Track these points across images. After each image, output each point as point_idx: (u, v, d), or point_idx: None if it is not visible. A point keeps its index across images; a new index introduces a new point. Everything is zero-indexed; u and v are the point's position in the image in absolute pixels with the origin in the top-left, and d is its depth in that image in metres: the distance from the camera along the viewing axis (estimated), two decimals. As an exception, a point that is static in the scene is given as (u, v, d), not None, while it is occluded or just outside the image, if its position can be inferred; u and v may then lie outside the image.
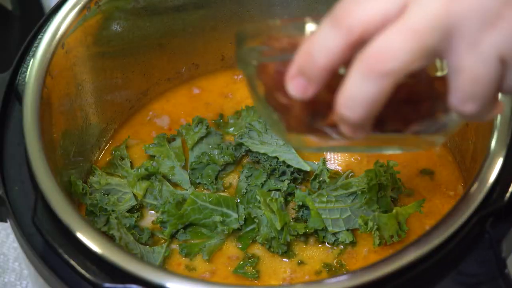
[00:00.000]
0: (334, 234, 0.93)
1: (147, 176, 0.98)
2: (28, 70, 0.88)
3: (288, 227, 0.93)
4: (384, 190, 0.93)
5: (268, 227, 0.94)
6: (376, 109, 0.64)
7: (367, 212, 0.92)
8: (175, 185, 1.00)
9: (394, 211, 0.92)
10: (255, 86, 0.72)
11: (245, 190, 0.97)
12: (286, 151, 0.98)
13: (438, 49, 0.62)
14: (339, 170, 0.99)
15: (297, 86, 0.67)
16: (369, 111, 0.64)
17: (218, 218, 0.95)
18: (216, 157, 1.00)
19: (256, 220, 0.95)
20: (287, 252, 0.93)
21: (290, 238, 0.93)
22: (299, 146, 0.77)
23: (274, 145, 0.99)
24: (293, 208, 0.96)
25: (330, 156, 1.00)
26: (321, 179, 0.96)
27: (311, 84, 0.66)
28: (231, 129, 1.04)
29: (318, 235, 0.94)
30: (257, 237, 0.94)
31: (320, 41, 0.64)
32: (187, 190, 0.99)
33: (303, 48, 0.66)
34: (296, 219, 0.95)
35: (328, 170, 0.96)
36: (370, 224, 0.91)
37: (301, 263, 0.93)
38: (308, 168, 0.98)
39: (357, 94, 0.63)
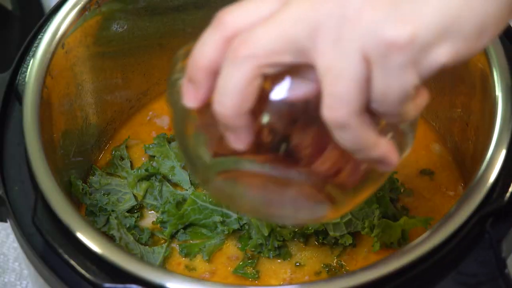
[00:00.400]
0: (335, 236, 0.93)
1: (147, 177, 0.98)
2: (28, 70, 0.88)
3: (275, 233, 0.93)
4: (381, 189, 0.92)
5: (256, 233, 0.94)
6: (243, 100, 0.64)
7: (369, 214, 0.92)
8: (175, 185, 0.99)
9: (402, 221, 0.91)
10: (178, 111, 0.71)
11: (245, 190, 0.97)
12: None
13: (304, 44, 0.62)
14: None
15: (187, 95, 0.68)
16: (236, 103, 0.64)
17: (218, 218, 0.95)
18: (216, 157, 0.99)
19: (246, 227, 0.94)
20: (284, 253, 0.93)
21: (278, 243, 0.92)
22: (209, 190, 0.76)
23: None
24: (293, 210, 0.96)
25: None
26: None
27: (198, 88, 0.66)
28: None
29: (318, 236, 0.93)
30: (249, 242, 0.94)
31: (200, 42, 0.66)
32: (187, 190, 0.99)
33: (192, 54, 0.67)
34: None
35: None
36: (376, 231, 0.90)
37: (300, 263, 0.93)
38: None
39: (224, 85, 0.64)
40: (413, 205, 0.96)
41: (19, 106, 0.87)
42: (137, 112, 1.06)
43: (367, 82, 0.62)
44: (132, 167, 1.01)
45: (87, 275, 0.76)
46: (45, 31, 0.91)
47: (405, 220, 0.91)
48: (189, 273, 0.92)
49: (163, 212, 0.95)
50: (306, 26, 0.62)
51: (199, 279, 0.89)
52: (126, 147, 1.02)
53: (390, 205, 0.94)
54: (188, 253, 0.94)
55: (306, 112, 0.66)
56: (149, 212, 0.98)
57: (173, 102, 0.71)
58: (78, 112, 0.97)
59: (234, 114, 0.64)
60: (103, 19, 0.96)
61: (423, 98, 0.65)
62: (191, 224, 0.95)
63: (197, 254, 0.94)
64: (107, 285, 0.75)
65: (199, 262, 0.93)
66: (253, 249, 0.93)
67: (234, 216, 0.95)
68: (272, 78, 0.65)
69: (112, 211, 0.95)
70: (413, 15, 0.60)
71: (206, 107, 0.67)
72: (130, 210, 0.97)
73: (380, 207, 0.92)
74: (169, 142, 1.02)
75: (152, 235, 0.96)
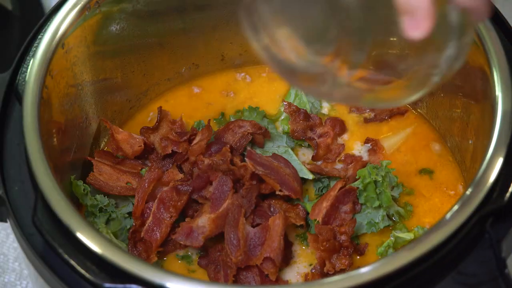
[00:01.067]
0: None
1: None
2: (28, 70, 0.88)
3: None
4: (380, 186, 0.92)
5: None
6: None
7: (373, 215, 0.92)
8: (175, 185, 0.99)
9: (412, 235, 0.91)
10: None
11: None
12: (287, 159, 0.97)
13: None
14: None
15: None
16: None
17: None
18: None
19: None
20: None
21: None
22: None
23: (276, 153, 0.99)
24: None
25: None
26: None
27: None
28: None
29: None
30: None
31: None
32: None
33: None
34: (301, 227, 0.95)
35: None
36: (390, 251, 0.90)
37: (300, 263, 0.93)
38: (310, 176, 0.97)
39: None
40: (413, 204, 0.96)
41: (19, 106, 0.87)
42: (137, 112, 1.06)
43: None
44: (132, 167, 1.01)
45: (87, 275, 0.76)
46: (45, 31, 0.91)
47: (415, 234, 0.91)
48: (188, 274, 0.92)
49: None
50: None
51: (199, 279, 0.89)
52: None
53: (393, 202, 0.93)
54: (183, 256, 0.94)
55: None
56: (149, 212, 0.98)
57: None
58: (78, 112, 0.97)
59: None
60: (103, 19, 0.96)
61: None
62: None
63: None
64: (107, 285, 0.75)
65: (198, 263, 0.93)
66: None
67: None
68: None
69: (112, 212, 0.95)
70: None
71: None
72: (130, 212, 0.97)
73: (382, 203, 0.92)
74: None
75: (152, 235, 0.96)
